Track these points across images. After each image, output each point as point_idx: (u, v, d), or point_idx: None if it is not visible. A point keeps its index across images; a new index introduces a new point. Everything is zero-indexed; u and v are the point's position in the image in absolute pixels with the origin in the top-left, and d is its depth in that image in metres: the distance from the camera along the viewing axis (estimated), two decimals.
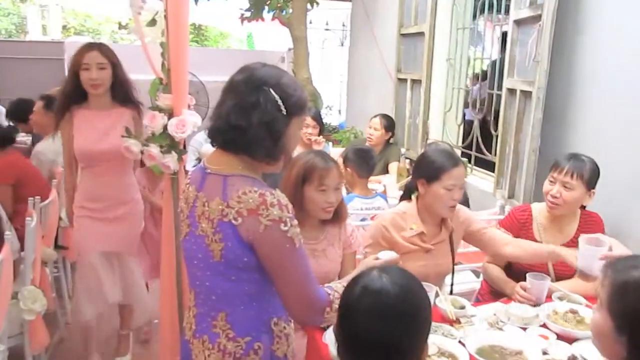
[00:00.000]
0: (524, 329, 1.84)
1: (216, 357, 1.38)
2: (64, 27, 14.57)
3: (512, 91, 3.10)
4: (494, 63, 3.72)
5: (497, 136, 3.32)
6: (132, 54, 2.67)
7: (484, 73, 4.05)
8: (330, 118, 8.07)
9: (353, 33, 6.28)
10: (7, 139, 3.13)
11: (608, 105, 2.55)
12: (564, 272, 2.20)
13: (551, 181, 2.23)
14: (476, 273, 2.85)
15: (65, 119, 2.60)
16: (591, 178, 2.18)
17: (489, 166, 3.61)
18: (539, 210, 2.34)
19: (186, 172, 2.32)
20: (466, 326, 1.84)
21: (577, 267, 1.89)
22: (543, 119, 2.79)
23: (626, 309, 1.10)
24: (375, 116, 4.13)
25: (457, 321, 1.86)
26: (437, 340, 1.69)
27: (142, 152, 2.29)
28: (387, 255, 1.56)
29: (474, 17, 4.06)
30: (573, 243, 2.23)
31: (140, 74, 2.60)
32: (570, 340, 1.77)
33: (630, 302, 1.10)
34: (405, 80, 4.59)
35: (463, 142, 4.07)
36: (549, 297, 2.04)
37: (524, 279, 2.05)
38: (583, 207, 2.30)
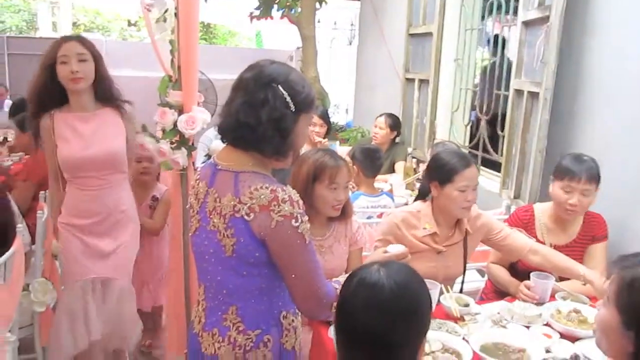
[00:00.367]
0: (528, 327, 1.86)
1: (226, 350, 1.40)
2: (74, 23, 14.64)
3: (519, 92, 3.10)
4: (493, 64, 3.74)
5: (503, 137, 3.33)
6: (142, 52, 2.66)
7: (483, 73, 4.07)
8: (338, 117, 8.09)
9: (361, 32, 6.29)
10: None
11: (615, 107, 2.56)
12: None
13: (567, 191, 2.16)
14: (481, 272, 2.85)
15: (46, 127, 2.26)
16: (599, 177, 2.18)
17: (495, 166, 3.61)
18: (541, 210, 2.35)
19: (195, 168, 2.35)
20: (470, 324, 1.86)
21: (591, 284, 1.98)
22: (550, 120, 2.79)
23: (634, 304, 1.15)
24: (380, 115, 4.13)
25: (462, 319, 1.88)
26: (441, 337, 1.71)
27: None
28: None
29: (482, 18, 4.07)
30: (575, 243, 2.29)
31: (150, 72, 2.60)
32: (573, 339, 1.79)
33: (638, 298, 1.14)
34: (413, 80, 4.60)
35: (470, 142, 4.08)
36: (552, 297, 2.06)
37: (528, 279, 2.06)
38: None
